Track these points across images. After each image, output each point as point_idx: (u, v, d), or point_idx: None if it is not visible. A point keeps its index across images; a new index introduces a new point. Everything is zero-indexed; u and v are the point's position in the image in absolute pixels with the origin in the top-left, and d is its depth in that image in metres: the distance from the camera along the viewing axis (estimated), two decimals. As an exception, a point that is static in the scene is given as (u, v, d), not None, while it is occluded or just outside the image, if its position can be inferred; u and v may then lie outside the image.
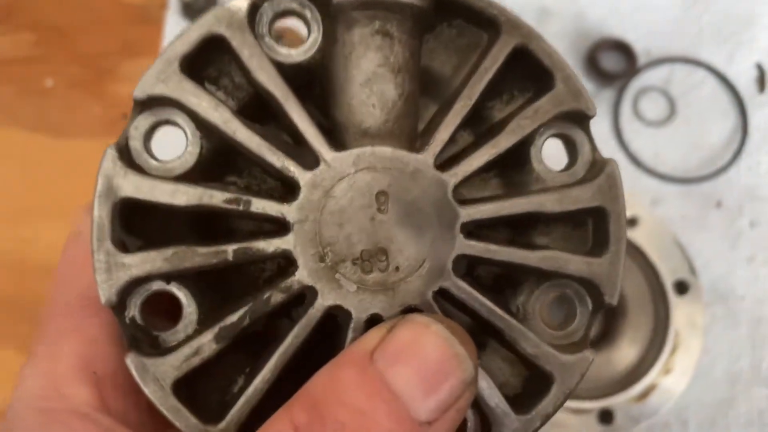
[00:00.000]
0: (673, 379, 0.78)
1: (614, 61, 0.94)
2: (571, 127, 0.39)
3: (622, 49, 0.93)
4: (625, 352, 0.80)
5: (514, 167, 0.40)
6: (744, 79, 0.94)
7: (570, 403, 0.77)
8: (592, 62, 0.92)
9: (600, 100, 0.94)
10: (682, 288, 0.79)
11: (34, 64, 0.95)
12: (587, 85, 0.94)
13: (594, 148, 0.40)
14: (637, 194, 0.91)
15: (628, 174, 0.92)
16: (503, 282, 0.41)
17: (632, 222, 0.80)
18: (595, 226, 0.39)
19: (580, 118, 0.39)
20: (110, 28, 0.96)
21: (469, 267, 0.41)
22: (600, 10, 0.96)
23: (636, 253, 0.80)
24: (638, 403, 0.77)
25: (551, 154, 0.40)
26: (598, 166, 0.39)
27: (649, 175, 0.92)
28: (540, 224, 0.40)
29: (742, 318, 0.89)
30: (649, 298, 0.81)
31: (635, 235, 0.80)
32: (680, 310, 0.78)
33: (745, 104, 0.93)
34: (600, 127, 0.93)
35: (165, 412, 0.35)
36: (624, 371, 0.80)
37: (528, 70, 0.39)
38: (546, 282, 0.39)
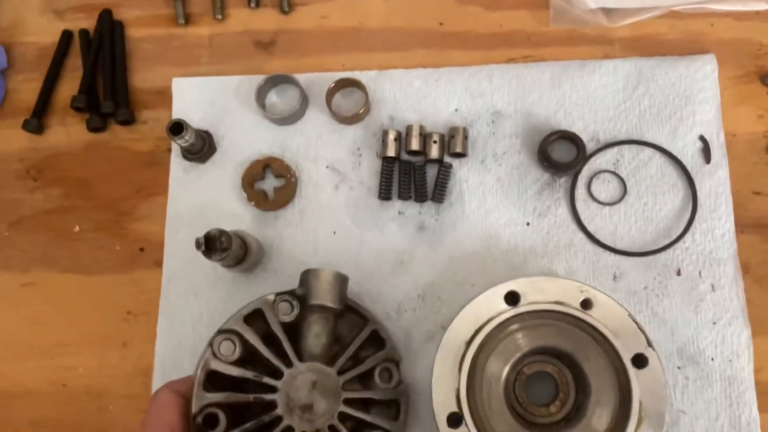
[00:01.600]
0: (643, 448, 0.84)
1: (565, 151, 1.03)
2: (392, 364, 0.92)
3: (571, 139, 1.02)
4: (595, 426, 0.86)
5: (369, 379, 0.91)
6: (689, 152, 1.02)
7: (548, 479, 0.83)
8: (544, 154, 1.02)
9: (556, 187, 1.03)
10: (640, 362, 0.85)
11: (64, 214, 1.10)
12: (543, 174, 1.04)
13: (400, 376, 0.92)
14: (600, 270, 0.99)
15: (589, 252, 1.00)
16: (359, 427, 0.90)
17: (587, 304, 0.88)
18: (397, 407, 0.92)
19: (395, 361, 0.93)
20: (125, 175, 1.11)
21: (343, 419, 0.88)
22: (547, 107, 1.06)
23: (594, 332, 0.87)
24: (612, 474, 0.83)
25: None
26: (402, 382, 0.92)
27: (609, 252, 1.00)
28: (373, 406, 0.91)
29: (714, 378, 0.95)
30: (611, 374, 0.87)
31: (592, 315, 0.87)
32: (641, 382, 0.85)
33: (693, 175, 1.01)
34: (559, 212, 1.02)
35: None
36: (596, 445, 0.86)
37: (375, 339, 0.93)
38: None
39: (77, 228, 1.10)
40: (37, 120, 1.13)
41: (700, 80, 1.04)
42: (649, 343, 0.86)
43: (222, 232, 0.92)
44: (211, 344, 0.88)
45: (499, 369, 0.90)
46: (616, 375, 0.87)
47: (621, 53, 1.07)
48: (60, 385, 1.04)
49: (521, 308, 0.88)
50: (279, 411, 0.86)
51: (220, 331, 0.88)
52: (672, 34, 1.08)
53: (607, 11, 1.07)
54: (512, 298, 0.89)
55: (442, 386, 0.87)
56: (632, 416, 0.84)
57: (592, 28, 1.08)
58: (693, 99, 1.03)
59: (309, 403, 0.87)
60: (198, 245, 0.90)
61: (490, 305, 0.89)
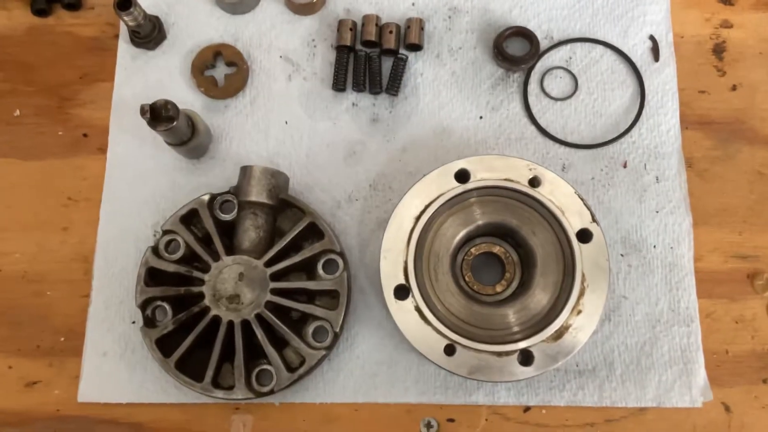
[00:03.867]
0: (584, 318, 0.85)
1: (519, 47, 1.04)
2: (335, 255, 0.93)
3: (525, 35, 1.03)
4: (539, 297, 0.88)
5: (313, 271, 0.93)
6: (639, 51, 1.04)
7: (492, 347, 0.84)
8: (499, 49, 1.02)
9: (510, 83, 1.04)
10: (585, 236, 0.87)
11: (3, 98, 1.06)
12: (497, 70, 1.04)
13: (346, 267, 0.93)
14: (549, 161, 1.00)
15: (539, 145, 1.01)
16: (304, 318, 0.94)
17: (535, 181, 0.89)
18: (334, 297, 0.93)
19: (338, 252, 0.93)
20: (69, 61, 1.07)
21: (277, 309, 0.91)
22: (503, 4, 1.06)
23: (542, 208, 0.88)
24: (554, 343, 0.85)
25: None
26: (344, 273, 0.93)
27: (558, 145, 1.01)
28: (316, 295, 0.95)
29: (656, 265, 0.97)
30: (557, 248, 0.88)
31: (540, 192, 0.88)
32: (585, 256, 0.86)
33: (642, 73, 1.03)
34: (512, 106, 1.03)
35: (150, 349, 0.90)
36: (539, 315, 0.87)
37: (316, 231, 0.94)
38: (313, 321, 0.92)
39: (17, 112, 1.05)
40: (-25, 0, 1.07)
41: (652, -17, 1.06)
42: (594, 219, 0.87)
43: (168, 102, 0.89)
44: (154, 244, 0.92)
45: (447, 244, 0.90)
46: (561, 249, 0.88)
47: (577, -46, 1.08)
48: (-5, 270, 1.00)
49: (470, 185, 0.89)
50: (206, 302, 0.90)
51: (164, 232, 0.93)
52: (626, -62, 1.09)
53: None
54: (462, 176, 0.89)
55: (390, 259, 0.87)
56: (575, 286, 0.85)
57: (550, -71, 1.09)
58: (644, 0, 1.05)
59: (235, 293, 0.90)
60: (143, 112, 0.88)
61: (441, 183, 0.89)
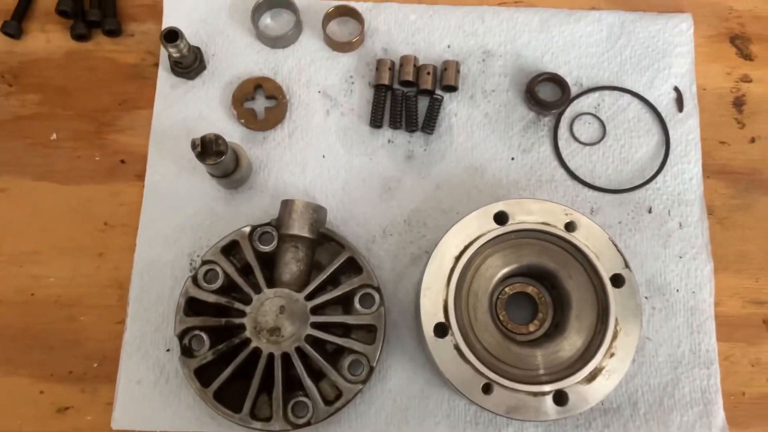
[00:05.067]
0: (617, 361, 0.88)
1: (550, 92, 1.08)
2: (372, 289, 0.94)
3: (557, 81, 1.07)
4: (574, 339, 0.91)
5: (349, 305, 0.95)
6: (664, 101, 1.09)
7: (528, 387, 0.87)
8: (531, 94, 1.06)
9: (541, 126, 1.07)
10: (618, 281, 0.90)
11: (41, 121, 1.06)
12: (529, 113, 1.08)
13: (382, 302, 0.94)
14: (578, 204, 1.04)
15: (569, 188, 1.05)
16: (340, 351, 0.95)
17: (571, 226, 0.92)
18: (370, 331, 0.95)
19: (375, 287, 0.94)
20: (108, 87, 1.08)
21: (315, 342, 0.93)
22: (536, 50, 1.10)
23: (577, 252, 0.92)
24: (588, 385, 0.88)
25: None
26: (381, 307, 0.94)
27: (587, 188, 1.05)
28: (353, 329, 0.96)
29: (678, 308, 1.01)
30: (591, 292, 0.92)
31: (576, 237, 0.91)
32: (618, 300, 0.90)
33: (667, 122, 1.07)
34: (543, 149, 1.06)
35: (188, 378, 0.90)
36: (574, 357, 0.90)
37: (354, 265, 0.96)
38: (349, 354, 0.93)
39: (54, 136, 1.06)
40: (17, 23, 1.08)
41: (677, 36, 1.11)
42: (627, 265, 0.91)
43: (219, 137, 0.91)
44: (194, 274, 0.93)
45: (486, 284, 0.93)
46: (596, 293, 0.91)
47: (606, 6, 1.13)
48: (28, 294, 1.00)
49: (509, 227, 0.92)
50: (247, 333, 0.91)
51: (204, 262, 0.94)
52: (653, -7, 1.14)
53: (595, -34, 1.13)
54: (501, 218, 0.92)
55: (431, 298, 0.89)
56: (609, 329, 0.88)
57: (581, -20, 1.14)
58: (669, 53, 1.10)
59: (276, 326, 0.92)
60: (194, 146, 0.89)
61: (480, 224, 0.92)
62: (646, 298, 1.01)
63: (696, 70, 1.10)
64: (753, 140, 1.09)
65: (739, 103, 1.10)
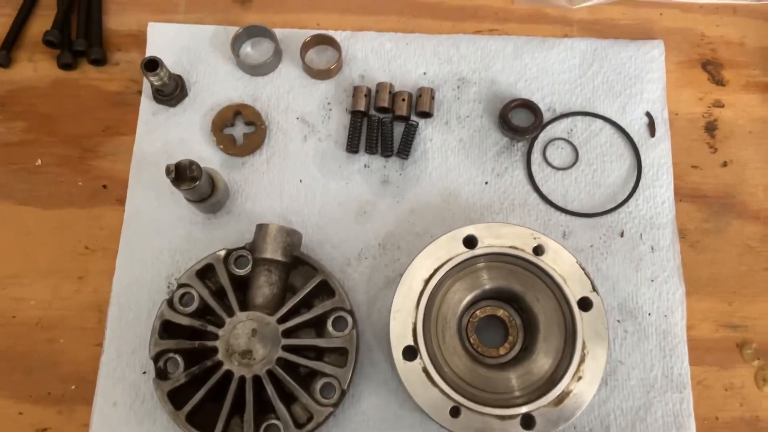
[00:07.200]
0: (584, 385, 0.89)
1: (524, 118, 1.10)
2: (345, 312, 0.95)
3: (530, 107, 1.09)
4: (542, 362, 0.91)
5: (322, 328, 0.96)
6: (636, 126, 1.10)
7: (496, 411, 0.87)
8: (505, 120, 1.08)
9: (514, 151, 1.09)
10: (585, 304, 0.91)
11: (26, 147, 1.09)
12: (502, 138, 1.10)
13: (355, 325, 0.95)
14: (551, 228, 1.05)
15: (541, 212, 1.07)
16: (312, 374, 0.96)
17: (539, 250, 0.93)
18: (342, 354, 0.95)
19: (347, 310, 0.96)
20: (92, 114, 1.11)
21: (287, 365, 0.93)
22: (509, 77, 1.12)
23: (545, 276, 0.93)
24: (555, 408, 0.88)
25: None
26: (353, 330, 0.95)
27: (559, 212, 1.06)
28: (325, 352, 0.97)
29: (650, 332, 1.01)
30: (559, 315, 0.93)
31: (543, 260, 0.92)
32: (586, 323, 0.90)
33: (639, 147, 1.09)
34: (516, 173, 1.08)
35: (161, 400, 0.92)
36: (541, 380, 0.91)
37: (327, 289, 0.97)
38: (321, 377, 0.94)
39: (39, 162, 1.09)
40: (6, 52, 1.12)
41: (649, 62, 1.13)
42: (594, 288, 0.92)
43: (192, 162, 0.93)
44: (170, 297, 0.95)
45: (455, 307, 0.94)
46: (563, 316, 0.92)
47: (578, 33, 1.15)
48: (9, 316, 1.02)
49: (478, 251, 0.93)
50: (219, 356, 0.93)
51: (179, 285, 0.95)
52: (625, 20, 1.17)
53: (568, -5, 1.16)
54: (470, 242, 0.94)
55: (400, 320, 0.91)
56: (576, 353, 0.89)
57: (554, 8, 1.16)
58: (641, 78, 1.12)
59: (248, 349, 0.93)
60: (168, 172, 0.92)
61: (450, 247, 0.93)
62: (618, 321, 1.02)
63: (668, 96, 1.12)
64: (725, 164, 1.10)
65: (711, 128, 1.11)
